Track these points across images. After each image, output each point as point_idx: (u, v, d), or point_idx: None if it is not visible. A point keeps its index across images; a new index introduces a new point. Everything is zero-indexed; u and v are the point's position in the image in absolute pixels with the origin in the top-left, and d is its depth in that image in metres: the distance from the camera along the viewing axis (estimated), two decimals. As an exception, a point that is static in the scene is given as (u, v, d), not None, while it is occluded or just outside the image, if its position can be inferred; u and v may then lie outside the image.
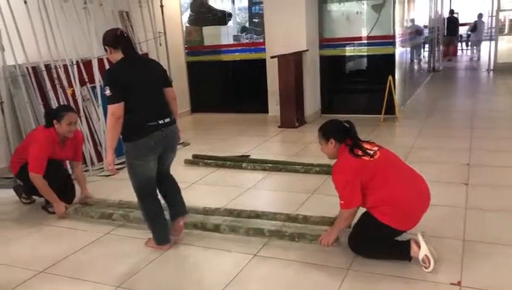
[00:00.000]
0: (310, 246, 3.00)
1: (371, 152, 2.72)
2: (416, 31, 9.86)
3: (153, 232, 3.14)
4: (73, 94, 5.03)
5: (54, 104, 4.84)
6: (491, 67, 11.67)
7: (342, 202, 2.74)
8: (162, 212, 3.16)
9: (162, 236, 3.13)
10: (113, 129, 2.86)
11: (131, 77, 2.90)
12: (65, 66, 5.03)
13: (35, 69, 4.95)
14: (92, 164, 5.07)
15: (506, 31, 12.78)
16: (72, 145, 3.95)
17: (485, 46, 14.67)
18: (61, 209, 3.75)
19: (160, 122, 2.95)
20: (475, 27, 15.12)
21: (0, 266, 2.97)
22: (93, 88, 5.24)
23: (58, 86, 4.96)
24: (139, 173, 3.01)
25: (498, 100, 8.33)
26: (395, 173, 2.75)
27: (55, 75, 4.96)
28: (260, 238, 3.15)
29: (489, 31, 13.78)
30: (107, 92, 2.83)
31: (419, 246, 2.64)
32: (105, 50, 3.02)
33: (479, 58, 14.96)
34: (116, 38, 2.95)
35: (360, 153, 2.70)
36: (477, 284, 2.49)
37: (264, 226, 3.21)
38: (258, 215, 3.43)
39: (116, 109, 2.82)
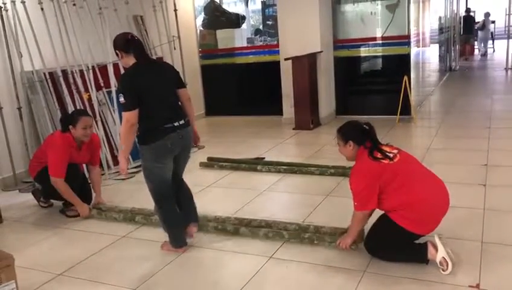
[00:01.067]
0: (326, 248, 2.99)
1: (391, 155, 2.69)
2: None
3: (169, 235, 3.16)
4: (89, 99, 5.10)
5: (71, 109, 4.91)
6: (509, 66, 11.48)
7: (356, 203, 2.71)
8: (179, 216, 3.19)
9: (178, 239, 3.15)
10: (127, 135, 2.90)
11: (146, 82, 2.91)
12: (81, 71, 5.10)
13: (52, 74, 5.03)
14: (109, 167, 5.12)
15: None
16: (89, 149, 4.00)
17: (499, 44, 14.64)
18: (86, 211, 3.83)
19: (176, 124, 2.96)
20: (483, 26, 15.34)
21: (19, 269, 2.99)
22: (109, 93, 5.30)
23: (74, 91, 5.03)
24: (156, 175, 3.02)
25: (516, 99, 8.19)
26: (415, 176, 2.72)
27: (71, 80, 5.03)
28: (275, 241, 3.14)
29: (507, 29, 13.56)
30: (121, 99, 2.85)
31: (436, 249, 2.61)
32: (117, 54, 3.02)
33: (485, 54, 15.64)
34: (127, 42, 2.95)
35: (379, 156, 2.67)
36: (496, 287, 2.45)
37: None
38: (268, 224, 3.34)
39: (131, 116, 2.84)
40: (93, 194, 4.13)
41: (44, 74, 4.97)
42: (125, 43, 2.96)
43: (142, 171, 3.09)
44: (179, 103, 3.11)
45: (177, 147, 3.01)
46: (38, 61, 4.91)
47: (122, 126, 2.89)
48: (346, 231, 2.92)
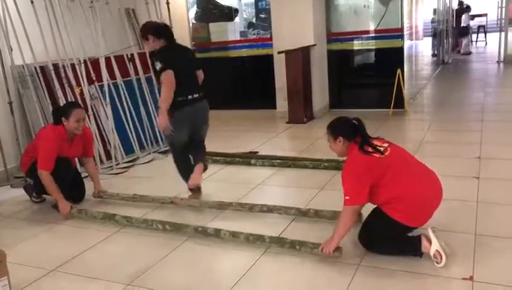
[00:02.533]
0: (320, 241, 2.98)
1: (382, 149, 2.69)
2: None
3: (179, 172, 3.88)
4: (81, 93, 5.05)
5: (63, 103, 4.86)
6: (501, 59, 11.53)
7: (347, 197, 2.65)
8: (187, 161, 3.81)
9: (185, 175, 3.83)
10: (169, 93, 3.42)
11: (174, 56, 3.53)
12: (73, 65, 5.05)
13: (43, 68, 4.97)
14: (101, 162, 5.09)
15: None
16: (81, 142, 3.97)
17: (494, 37, 14.56)
18: (66, 209, 3.73)
19: (191, 97, 3.56)
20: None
21: (11, 265, 2.96)
22: (101, 86, 5.25)
23: (66, 85, 4.98)
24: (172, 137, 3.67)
25: (509, 92, 8.23)
26: (406, 169, 2.72)
27: (63, 75, 4.98)
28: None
29: (498, 22, 13.60)
30: (159, 65, 3.40)
31: (430, 242, 2.61)
32: (146, 38, 3.61)
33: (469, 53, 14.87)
34: (160, 29, 3.65)
35: (370, 149, 2.66)
36: (489, 278, 2.46)
37: (265, 233, 3.08)
38: (270, 209, 3.44)
39: (169, 74, 3.39)
40: (90, 187, 4.09)
41: (35, 68, 4.91)
42: (158, 29, 3.61)
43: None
44: (197, 80, 3.74)
45: (191, 118, 3.61)
46: (29, 55, 4.84)
47: (164, 87, 3.41)
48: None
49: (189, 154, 3.86)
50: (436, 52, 12.58)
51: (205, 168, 3.88)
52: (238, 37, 8.42)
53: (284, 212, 3.42)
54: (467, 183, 3.81)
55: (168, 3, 6.39)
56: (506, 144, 4.88)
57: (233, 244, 3.09)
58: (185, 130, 3.64)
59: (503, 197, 3.50)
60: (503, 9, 11.77)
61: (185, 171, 3.85)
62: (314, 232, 3.09)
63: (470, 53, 14.60)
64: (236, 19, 8.84)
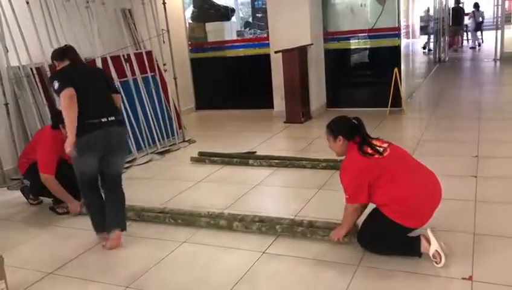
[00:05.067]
0: (319, 242, 2.98)
1: (381, 149, 2.68)
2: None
3: (91, 219, 3.28)
4: (78, 94, 5.01)
5: (59, 105, 4.83)
6: (498, 57, 11.56)
7: (347, 196, 2.71)
8: (97, 200, 3.23)
9: (96, 225, 3.24)
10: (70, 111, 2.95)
11: (76, 75, 3.10)
12: (69, 66, 5.02)
13: (39, 69, 4.94)
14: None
15: (512, 20, 12.66)
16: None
17: (489, 35, 14.65)
18: (76, 208, 3.77)
19: (103, 120, 3.04)
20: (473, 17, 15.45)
21: (9, 268, 2.95)
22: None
23: (62, 86, 4.94)
24: (77, 167, 3.16)
25: (506, 90, 8.25)
26: (405, 170, 2.72)
27: (59, 76, 4.94)
28: (268, 236, 3.13)
29: (494, 20, 13.64)
30: (57, 84, 2.97)
31: (429, 242, 2.61)
32: (54, 66, 3.28)
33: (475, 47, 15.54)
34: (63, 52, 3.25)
35: (369, 150, 2.66)
36: (488, 278, 2.46)
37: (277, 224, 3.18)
38: (262, 220, 3.31)
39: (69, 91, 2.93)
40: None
41: (31, 69, 4.88)
42: (60, 53, 3.25)
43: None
44: (110, 101, 3.22)
45: (102, 144, 3.06)
46: (25, 56, 4.81)
47: (64, 107, 2.97)
48: (340, 224, 2.91)
49: (100, 190, 3.30)
50: (425, 46, 12.67)
51: (122, 230, 3.23)
52: (234, 37, 8.41)
53: (277, 223, 3.21)
54: (465, 182, 3.81)
55: (164, 3, 6.35)
56: (503, 142, 4.89)
57: (231, 246, 3.08)
58: (92, 157, 3.08)
59: (502, 196, 3.50)
60: (500, 7, 11.79)
61: (96, 214, 3.25)
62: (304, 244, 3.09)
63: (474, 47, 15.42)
64: (233, 19, 8.84)
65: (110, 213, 3.20)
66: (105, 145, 3.07)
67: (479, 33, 16.08)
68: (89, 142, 2.99)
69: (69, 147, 2.95)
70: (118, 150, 3.21)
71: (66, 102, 2.92)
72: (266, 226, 3.19)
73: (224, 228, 3.30)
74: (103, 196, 3.26)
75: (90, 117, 3.00)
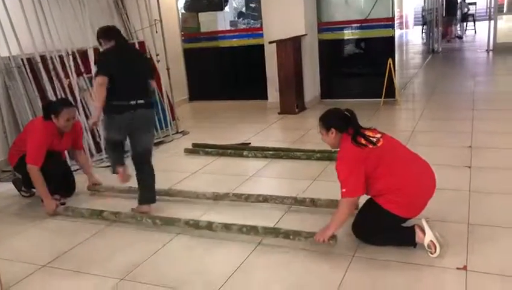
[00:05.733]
0: (316, 231, 2.98)
1: (374, 140, 2.67)
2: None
3: (109, 158, 3.83)
4: (69, 85, 4.97)
5: (51, 96, 4.79)
6: (491, 48, 11.58)
7: (344, 190, 2.65)
8: (118, 152, 3.59)
9: (114, 164, 3.62)
10: (98, 95, 3.35)
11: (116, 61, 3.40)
12: (61, 57, 4.96)
13: (30, 60, 4.87)
14: (91, 155, 5.03)
15: (505, 10, 12.65)
16: (71, 136, 3.91)
17: (483, 25, 14.69)
18: (52, 207, 3.66)
19: (132, 102, 3.33)
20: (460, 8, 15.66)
21: (1, 261, 2.94)
22: (90, 78, 5.16)
23: (54, 77, 4.89)
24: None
25: (498, 81, 8.28)
26: (399, 160, 2.71)
27: (51, 66, 4.89)
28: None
29: (487, 10, 13.66)
30: (95, 69, 3.41)
31: (424, 232, 2.61)
32: (100, 44, 3.53)
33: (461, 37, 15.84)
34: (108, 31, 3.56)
35: (363, 141, 2.65)
36: (483, 268, 2.48)
37: (258, 224, 3.07)
38: (266, 199, 3.45)
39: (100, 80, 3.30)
40: (81, 180, 4.04)
41: (22, 60, 4.81)
42: (106, 32, 3.53)
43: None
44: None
45: (129, 124, 3.39)
46: (16, 47, 4.74)
47: (94, 89, 3.54)
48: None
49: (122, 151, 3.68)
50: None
51: (151, 203, 3.54)
52: (228, 27, 8.34)
53: (280, 202, 3.43)
54: (459, 172, 3.83)
55: (157, -7, 6.29)
56: (496, 133, 4.91)
57: (225, 239, 3.06)
58: (117, 133, 3.44)
59: (495, 186, 3.51)
60: (493, -3, 11.80)
61: (115, 159, 3.62)
62: (310, 221, 3.10)
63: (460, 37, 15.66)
64: (226, 9, 8.76)
65: (140, 189, 3.54)
66: (130, 125, 3.38)
67: (470, 24, 16.25)
68: (115, 120, 3.35)
69: (91, 122, 3.46)
70: (143, 130, 3.48)
71: (96, 87, 3.32)
72: (247, 227, 3.01)
73: (204, 228, 3.14)
74: (135, 169, 3.57)
75: (119, 99, 3.30)
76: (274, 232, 2.96)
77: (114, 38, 3.47)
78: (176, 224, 3.24)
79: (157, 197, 3.63)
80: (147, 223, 3.32)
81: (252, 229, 3.00)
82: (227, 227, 3.07)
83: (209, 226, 3.13)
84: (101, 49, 3.71)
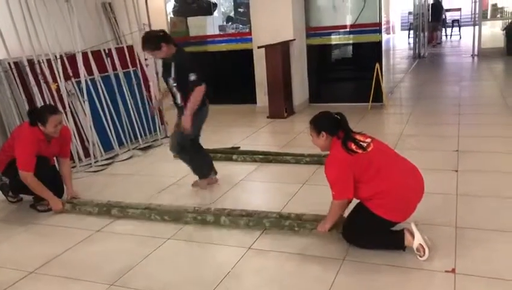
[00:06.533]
0: (304, 237, 3.00)
1: (364, 144, 2.70)
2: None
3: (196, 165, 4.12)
4: (57, 89, 4.93)
5: (39, 100, 4.74)
6: (475, 53, 11.76)
7: (334, 193, 2.71)
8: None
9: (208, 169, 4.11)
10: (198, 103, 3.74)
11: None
12: (48, 61, 4.92)
13: (17, 64, 4.82)
14: (80, 160, 4.99)
15: (488, 16, 12.87)
16: (58, 142, 3.88)
17: (468, 31, 14.92)
18: (59, 205, 3.70)
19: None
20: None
21: (-11, 267, 2.91)
22: (78, 83, 5.13)
23: (42, 81, 4.84)
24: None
25: (484, 86, 8.40)
26: (388, 165, 2.74)
27: (38, 70, 4.84)
28: (255, 231, 3.13)
29: (472, 16, 13.88)
30: (193, 77, 3.65)
31: (413, 236, 2.64)
32: (160, 48, 3.62)
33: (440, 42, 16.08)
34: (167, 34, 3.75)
35: (353, 146, 2.67)
36: (471, 270, 2.51)
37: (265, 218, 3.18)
38: (249, 214, 3.32)
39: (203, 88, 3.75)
40: (64, 189, 4.00)
41: (9, 63, 4.76)
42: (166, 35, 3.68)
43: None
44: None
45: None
46: (2, 51, 4.69)
47: (196, 96, 3.66)
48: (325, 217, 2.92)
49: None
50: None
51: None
52: (217, 32, 8.35)
53: (264, 216, 3.24)
54: (446, 176, 3.88)
55: (145, -3, 6.29)
56: (482, 137, 4.98)
57: (217, 242, 3.07)
58: (200, 129, 4.01)
59: (482, 190, 3.57)
60: (477, 3, 11.98)
61: (209, 162, 4.17)
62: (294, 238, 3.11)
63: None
64: (215, 13, 8.77)
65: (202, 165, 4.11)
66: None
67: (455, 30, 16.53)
68: (203, 113, 3.91)
69: (185, 128, 3.68)
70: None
71: (199, 97, 3.69)
72: (253, 221, 3.18)
73: (212, 224, 3.28)
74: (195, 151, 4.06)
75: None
76: (279, 225, 3.12)
77: (172, 42, 3.66)
78: (183, 219, 3.36)
79: (137, 211, 3.63)
80: (155, 219, 3.43)
81: (258, 223, 3.17)
82: (234, 222, 3.23)
83: (218, 220, 3.27)
84: (151, 55, 3.94)
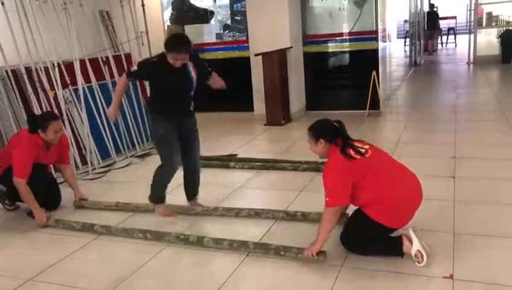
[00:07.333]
0: (303, 244, 2.99)
1: (363, 151, 2.71)
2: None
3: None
4: (55, 97, 4.93)
5: (36, 108, 4.74)
6: (471, 60, 11.83)
7: (328, 199, 2.66)
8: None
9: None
10: None
11: None
12: (46, 69, 4.92)
13: (15, 72, 4.82)
14: (77, 167, 4.98)
15: (484, 24, 12.97)
16: (57, 149, 3.88)
17: (463, 39, 15.04)
18: (43, 218, 3.63)
19: None
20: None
21: (-14, 275, 2.89)
22: (76, 90, 5.14)
23: (39, 89, 4.85)
24: None
25: (480, 93, 8.45)
26: (387, 171, 2.75)
27: (36, 78, 4.85)
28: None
29: (467, 24, 14.00)
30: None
31: (411, 242, 2.65)
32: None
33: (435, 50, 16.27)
34: None
35: (351, 152, 2.68)
36: (468, 276, 2.51)
37: (249, 239, 3.07)
38: (257, 213, 3.41)
39: None
40: (68, 194, 3.99)
41: (7, 71, 4.76)
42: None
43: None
44: None
45: None
46: (0, 58, 4.70)
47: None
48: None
49: None
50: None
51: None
52: (214, 40, 8.38)
53: (272, 216, 3.39)
54: (444, 183, 3.88)
55: (143, 5, 6.31)
56: (479, 144, 5.01)
57: (215, 249, 3.06)
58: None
59: (479, 196, 3.58)
60: (473, 12, 12.08)
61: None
62: (298, 235, 3.10)
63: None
64: (212, 21, 8.81)
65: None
66: None
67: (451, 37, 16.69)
68: None
69: None
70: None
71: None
72: (237, 242, 3.02)
73: (196, 244, 3.12)
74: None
75: None
76: (264, 248, 2.93)
77: None
78: (166, 238, 3.21)
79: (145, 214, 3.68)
80: (138, 237, 3.29)
81: (242, 244, 2.98)
82: (217, 242, 3.05)
83: (200, 241, 3.10)
84: (181, 60, 3.72)
